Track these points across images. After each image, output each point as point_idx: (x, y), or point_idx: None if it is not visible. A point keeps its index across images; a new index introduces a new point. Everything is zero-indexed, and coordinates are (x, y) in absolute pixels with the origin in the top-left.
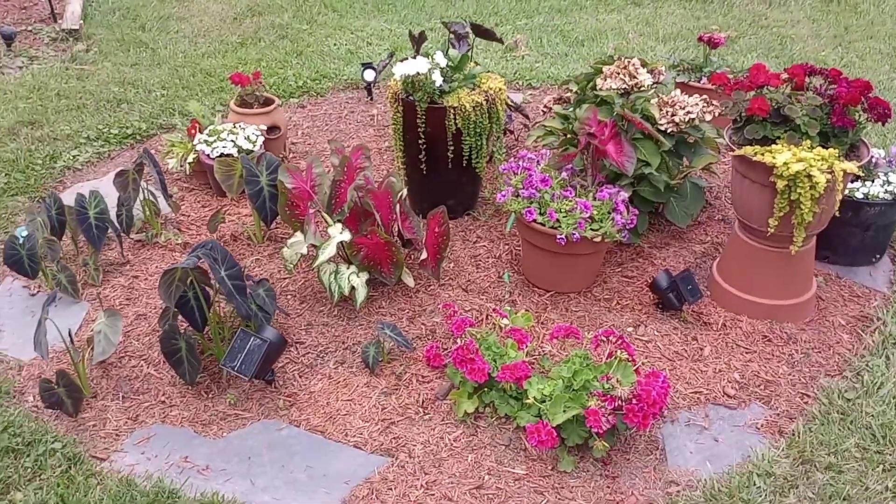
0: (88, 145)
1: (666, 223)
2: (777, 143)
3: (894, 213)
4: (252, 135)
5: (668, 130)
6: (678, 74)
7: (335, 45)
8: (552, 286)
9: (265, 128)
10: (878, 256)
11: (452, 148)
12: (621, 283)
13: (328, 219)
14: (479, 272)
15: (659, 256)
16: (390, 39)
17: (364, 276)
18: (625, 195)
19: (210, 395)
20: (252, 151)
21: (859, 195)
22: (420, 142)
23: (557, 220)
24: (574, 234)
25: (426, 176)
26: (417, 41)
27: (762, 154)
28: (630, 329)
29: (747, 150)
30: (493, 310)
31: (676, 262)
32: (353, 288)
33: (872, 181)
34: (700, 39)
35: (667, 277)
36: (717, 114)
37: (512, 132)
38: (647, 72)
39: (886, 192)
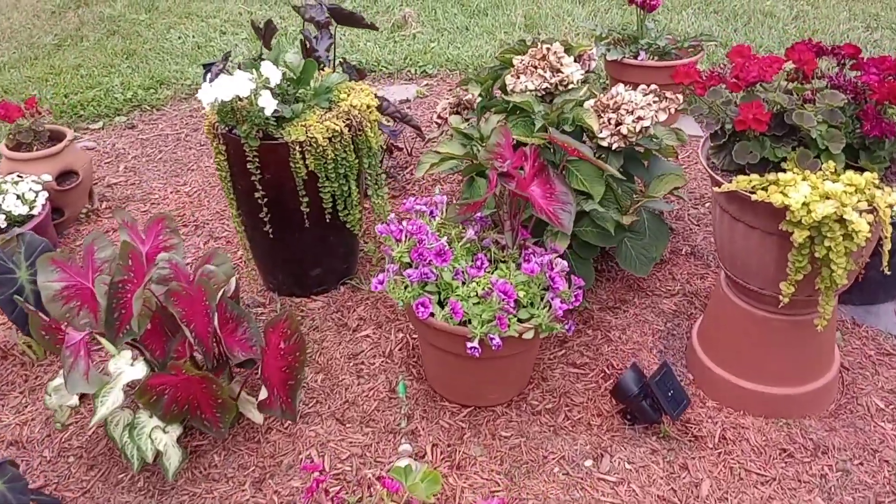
0: None
1: (617, 267)
2: (784, 168)
3: None
4: (29, 192)
5: (614, 146)
6: (609, 49)
7: (179, 38)
8: (469, 399)
9: (49, 178)
10: None
11: (307, 199)
12: (567, 377)
13: (109, 346)
14: (362, 384)
15: (615, 325)
16: (248, 27)
17: (175, 429)
18: (564, 265)
19: None
20: (31, 217)
21: None
22: (257, 194)
23: (466, 313)
24: (493, 337)
25: (275, 240)
26: (265, 34)
27: (765, 189)
28: (589, 463)
29: (741, 184)
30: (379, 478)
31: (641, 335)
32: (158, 452)
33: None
34: (632, 2)
35: (635, 378)
36: (673, 110)
37: (401, 149)
38: (574, 59)
39: None
